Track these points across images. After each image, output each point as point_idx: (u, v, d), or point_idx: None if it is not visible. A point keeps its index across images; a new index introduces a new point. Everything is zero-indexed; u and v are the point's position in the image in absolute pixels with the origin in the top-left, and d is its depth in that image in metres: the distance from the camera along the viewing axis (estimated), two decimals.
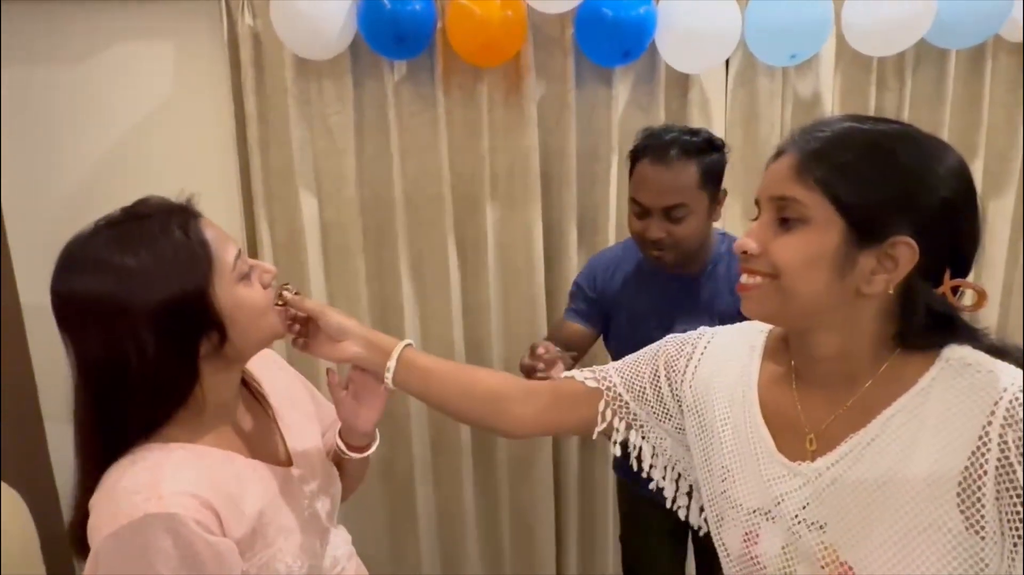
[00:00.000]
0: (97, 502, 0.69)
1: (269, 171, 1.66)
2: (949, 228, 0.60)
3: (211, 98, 1.66)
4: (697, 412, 0.76)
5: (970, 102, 1.73)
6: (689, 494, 0.83)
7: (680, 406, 0.79)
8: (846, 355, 0.65)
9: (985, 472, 0.55)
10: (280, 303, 0.81)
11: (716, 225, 1.30)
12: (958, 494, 0.56)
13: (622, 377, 0.82)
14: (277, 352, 1.66)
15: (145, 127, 1.68)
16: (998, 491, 0.55)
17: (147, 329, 0.68)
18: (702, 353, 0.79)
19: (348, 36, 1.49)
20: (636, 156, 1.24)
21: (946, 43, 1.61)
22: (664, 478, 0.82)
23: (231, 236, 0.77)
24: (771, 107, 1.68)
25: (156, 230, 0.71)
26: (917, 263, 0.59)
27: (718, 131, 1.72)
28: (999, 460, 0.55)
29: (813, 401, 0.68)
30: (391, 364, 0.81)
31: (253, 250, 1.70)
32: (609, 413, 0.81)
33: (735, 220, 1.77)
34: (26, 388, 1.74)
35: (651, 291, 1.32)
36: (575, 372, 0.86)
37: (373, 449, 0.93)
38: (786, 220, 0.62)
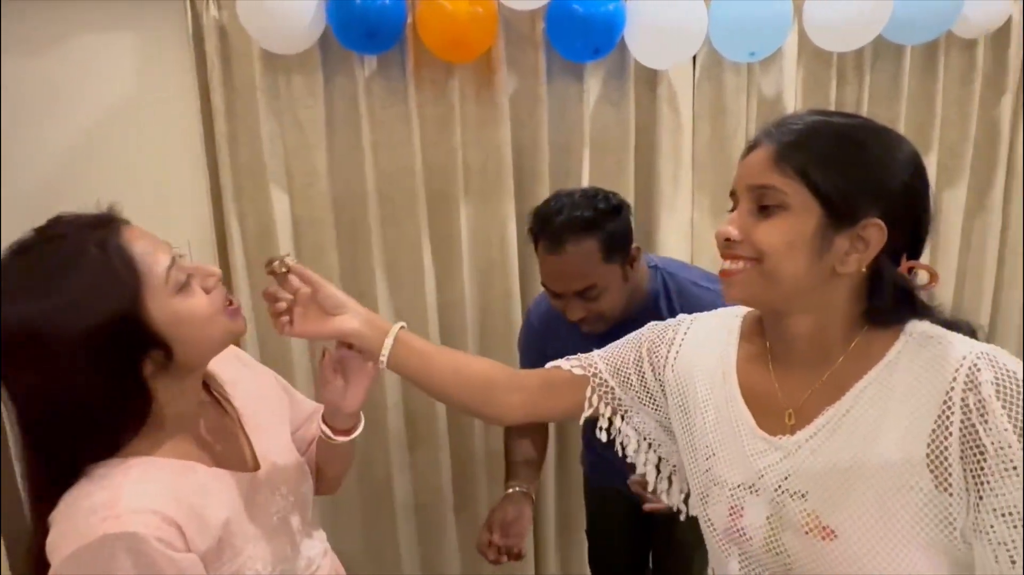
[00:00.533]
0: (55, 521, 0.66)
1: (238, 166, 1.63)
2: (910, 210, 0.65)
3: (177, 92, 1.63)
4: (680, 395, 0.80)
5: (924, 97, 1.80)
6: (670, 478, 0.86)
7: (663, 390, 0.82)
8: (820, 334, 0.69)
9: (950, 434, 0.60)
10: (284, 270, 0.79)
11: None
12: (927, 455, 0.61)
13: (607, 364, 0.85)
14: (252, 344, 1.67)
15: (108, 123, 1.64)
16: (962, 450, 0.59)
17: (79, 360, 0.65)
18: (682, 339, 0.82)
19: (317, 30, 1.48)
20: (534, 239, 1.17)
21: (902, 39, 1.67)
22: (646, 462, 0.85)
23: (164, 242, 0.73)
24: (737, 101, 1.72)
25: (72, 252, 0.65)
26: (884, 243, 0.64)
27: (686, 125, 1.76)
28: (962, 422, 0.59)
29: (789, 379, 0.72)
30: (389, 342, 0.81)
31: (223, 246, 1.68)
32: (596, 399, 0.84)
33: (703, 214, 1.81)
34: None
35: (594, 343, 1.19)
36: (561, 362, 0.88)
37: (359, 431, 0.93)
38: (765, 207, 0.65)
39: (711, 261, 1.80)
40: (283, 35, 1.46)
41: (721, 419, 0.75)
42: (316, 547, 0.90)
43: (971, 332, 0.67)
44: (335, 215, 1.67)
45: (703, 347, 0.80)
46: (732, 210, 0.69)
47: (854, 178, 0.64)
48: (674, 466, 0.86)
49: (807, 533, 0.66)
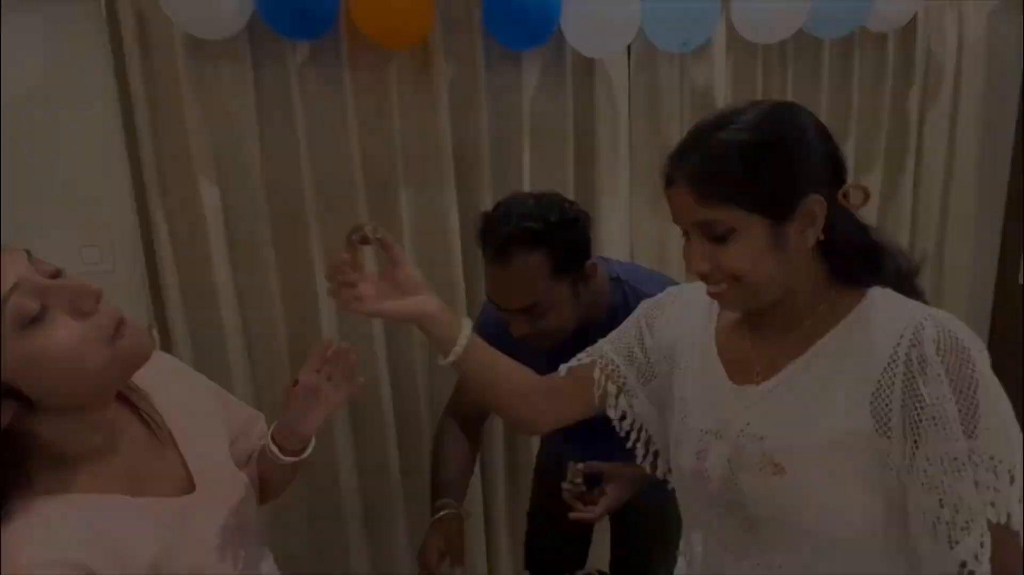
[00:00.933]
0: None
1: (162, 159, 1.55)
2: (829, 161, 0.71)
3: (91, 79, 1.53)
4: (669, 354, 0.87)
5: (841, 87, 1.90)
6: (656, 455, 0.93)
7: (660, 354, 0.88)
8: (791, 301, 0.74)
9: (894, 383, 0.65)
10: (378, 236, 0.76)
11: (619, 255, 1.22)
12: (871, 403, 0.66)
13: (613, 345, 0.91)
14: (186, 348, 1.59)
15: (14, 112, 1.52)
16: (904, 400, 0.65)
17: None
18: (671, 306, 0.89)
19: (245, 14, 1.42)
20: (480, 245, 1.09)
21: (820, 32, 1.76)
22: (638, 441, 0.92)
23: (16, 257, 0.60)
24: (671, 91, 1.77)
25: None
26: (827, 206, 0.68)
27: (622, 115, 1.79)
28: (905, 374, 0.65)
29: (763, 341, 0.78)
30: (467, 332, 0.82)
31: (149, 245, 1.59)
32: (604, 379, 0.89)
33: (641, 203, 1.85)
34: None
35: (546, 357, 1.05)
36: (573, 361, 0.93)
37: (308, 452, 0.88)
38: (716, 236, 0.69)
39: (650, 249, 1.86)
40: (207, 18, 1.39)
41: (697, 375, 0.82)
42: (262, 571, 0.85)
43: (910, 263, 0.75)
44: (271, 208, 1.61)
45: (689, 314, 0.87)
46: (684, 236, 0.73)
47: (779, 181, 0.67)
48: (657, 450, 0.93)
49: (760, 470, 0.72)
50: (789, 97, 1.85)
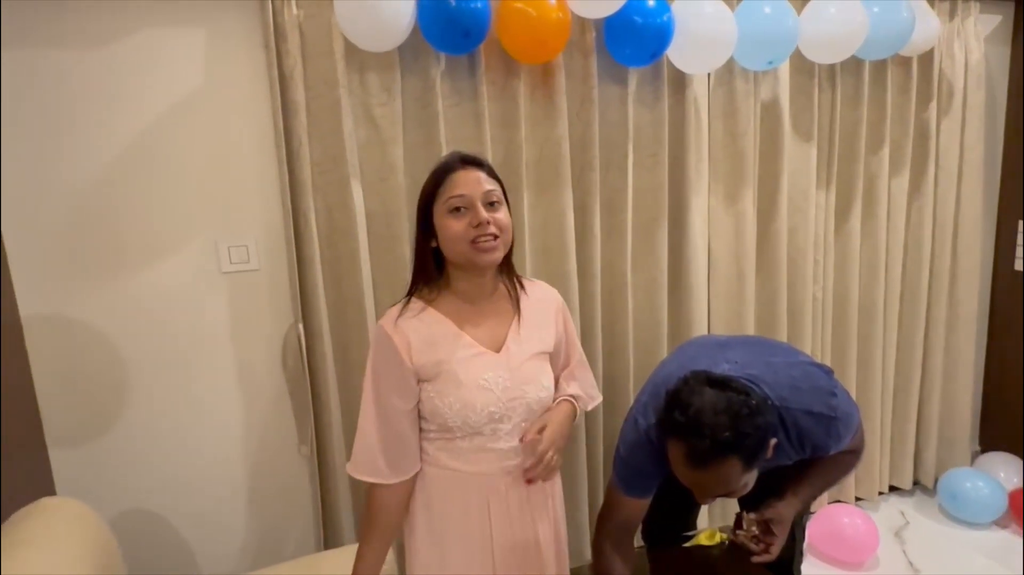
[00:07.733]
0: None
1: (316, 161, 1.66)
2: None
3: (246, 89, 1.63)
4: None
5: (878, 102, 2.21)
6: None
7: None
8: None
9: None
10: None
11: None
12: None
13: None
14: (326, 335, 1.67)
15: (171, 119, 1.60)
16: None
17: None
18: None
19: (408, 30, 1.56)
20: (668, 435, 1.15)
21: (865, 56, 2.06)
22: None
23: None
24: (745, 103, 2.02)
25: None
26: None
27: (704, 122, 2.02)
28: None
29: None
30: None
31: (296, 244, 1.68)
32: None
33: (718, 200, 2.09)
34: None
35: None
36: None
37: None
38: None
39: (726, 239, 2.09)
40: (378, 35, 1.53)
41: None
42: (499, 445, 1.17)
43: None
44: (409, 208, 1.73)
45: None
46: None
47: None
48: None
49: None
50: (838, 109, 2.15)
